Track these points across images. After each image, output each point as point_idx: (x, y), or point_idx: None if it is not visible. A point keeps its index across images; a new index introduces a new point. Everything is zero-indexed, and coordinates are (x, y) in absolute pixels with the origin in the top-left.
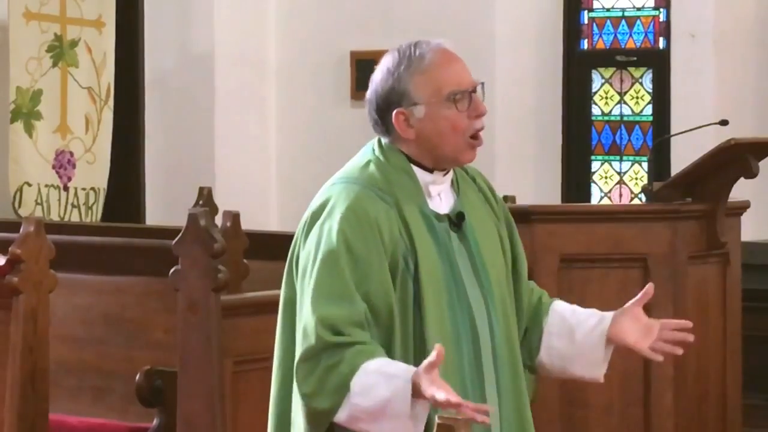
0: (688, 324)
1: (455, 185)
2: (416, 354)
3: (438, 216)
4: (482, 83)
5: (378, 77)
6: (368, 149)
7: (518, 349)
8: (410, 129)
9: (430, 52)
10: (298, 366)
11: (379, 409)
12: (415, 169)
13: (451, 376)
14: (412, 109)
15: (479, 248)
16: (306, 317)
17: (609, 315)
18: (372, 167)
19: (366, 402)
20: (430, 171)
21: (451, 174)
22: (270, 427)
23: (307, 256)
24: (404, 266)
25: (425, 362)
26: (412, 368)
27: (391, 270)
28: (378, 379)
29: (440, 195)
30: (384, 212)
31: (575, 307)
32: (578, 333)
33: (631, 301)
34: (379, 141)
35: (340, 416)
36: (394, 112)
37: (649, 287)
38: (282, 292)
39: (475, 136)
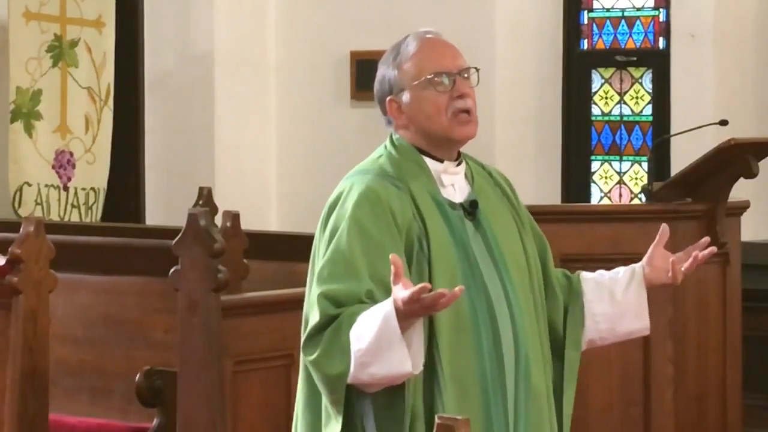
0: (707, 239)
1: (469, 178)
2: (431, 335)
3: (452, 204)
4: (476, 69)
5: (377, 72)
6: (381, 146)
7: (543, 331)
8: (402, 115)
9: (416, 41)
10: (306, 342)
11: (375, 344)
12: (426, 159)
13: (471, 360)
14: (400, 95)
15: (495, 236)
16: (312, 293)
17: (638, 265)
18: (383, 159)
19: (364, 343)
20: (441, 161)
21: (464, 166)
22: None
23: (319, 241)
24: (419, 247)
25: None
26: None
27: (406, 251)
28: (366, 319)
29: (454, 185)
30: (396, 196)
31: (600, 271)
32: (617, 291)
33: (651, 246)
34: (391, 137)
35: (352, 373)
36: (387, 100)
37: (665, 228)
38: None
39: (457, 113)
